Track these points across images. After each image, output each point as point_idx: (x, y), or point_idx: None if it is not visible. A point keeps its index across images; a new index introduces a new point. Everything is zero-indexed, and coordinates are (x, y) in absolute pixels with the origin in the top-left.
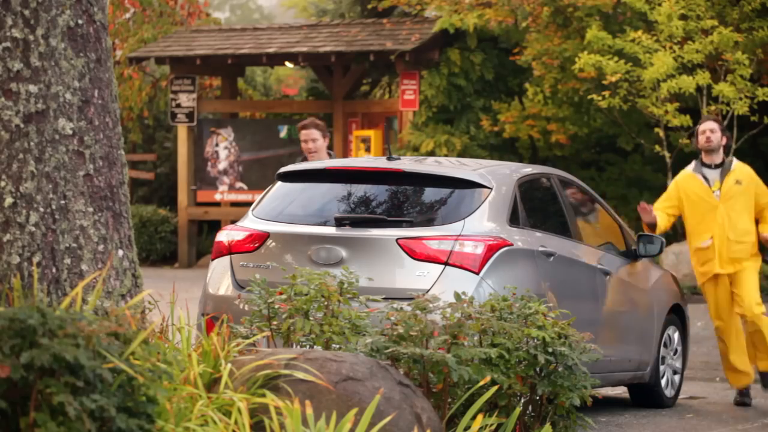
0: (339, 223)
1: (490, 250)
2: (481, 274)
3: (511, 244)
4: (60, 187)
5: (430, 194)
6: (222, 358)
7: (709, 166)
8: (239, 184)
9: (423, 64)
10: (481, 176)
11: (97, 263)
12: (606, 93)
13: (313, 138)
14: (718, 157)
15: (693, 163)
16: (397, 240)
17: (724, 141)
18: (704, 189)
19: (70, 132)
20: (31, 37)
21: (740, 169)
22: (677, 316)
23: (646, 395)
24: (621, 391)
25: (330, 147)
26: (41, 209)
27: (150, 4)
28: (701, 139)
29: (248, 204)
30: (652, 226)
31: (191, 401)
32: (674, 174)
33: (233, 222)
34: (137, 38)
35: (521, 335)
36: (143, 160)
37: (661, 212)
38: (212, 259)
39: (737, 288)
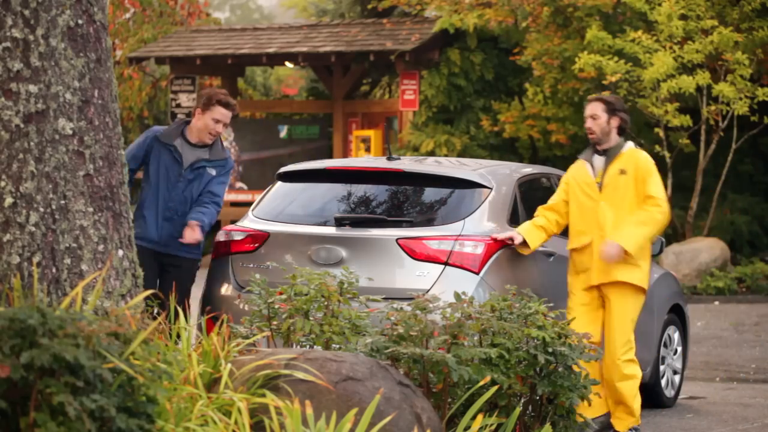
0: (339, 223)
1: (490, 250)
2: (481, 274)
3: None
4: (60, 187)
5: (430, 194)
6: (222, 358)
7: (599, 152)
8: (239, 184)
9: (423, 64)
10: (481, 176)
11: (97, 263)
12: (606, 93)
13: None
14: (607, 142)
15: (588, 148)
16: (397, 240)
17: (615, 123)
18: (588, 179)
19: (70, 132)
20: (31, 37)
21: (630, 155)
22: (677, 316)
23: (646, 395)
24: None
25: (329, 147)
26: (41, 209)
27: (150, 4)
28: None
29: (248, 204)
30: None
31: (191, 401)
32: (674, 174)
33: (233, 222)
34: (137, 38)
35: (521, 335)
36: None
37: (529, 225)
38: (212, 259)
39: (607, 317)
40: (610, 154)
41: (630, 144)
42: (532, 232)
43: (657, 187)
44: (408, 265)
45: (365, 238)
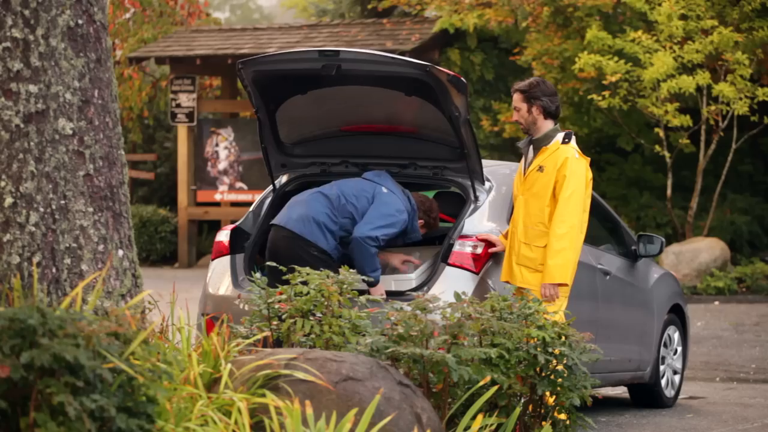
0: None
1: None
2: (481, 273)
3: None
4: (60, 187)
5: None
6: (222, 358)
7: (532, 142)
8: (239, 184)
9: None
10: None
11: (97, 263)
12: (606, 93)
13: None
14: (536, 131)
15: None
16: None
17: (537, 110)
18: (520, 170)
19: (70, 132)
20: (31, 37)
21: (554, 150)
22: (677, 316)
23: (646, 395)
24: (621, 391)
25: None
26: (41, 209)
27: (150, 4)
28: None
29: (248, 204)
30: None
31: (191, 401)
32: (674, 174)
33: (233, 222)
34: (137, 38)
35: (521, 335)
36: (143, 160)
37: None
38: (212, 259)
39: None
40: (535, 146)
41: (559, 134)
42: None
43: (568, 191)
44: None
45: None
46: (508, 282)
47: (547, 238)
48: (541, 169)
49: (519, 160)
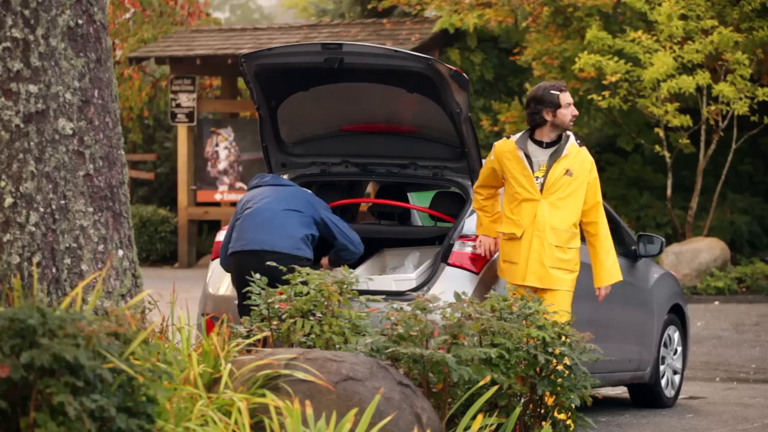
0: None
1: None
2: (481, 273)
3: None
4: (60, 187)
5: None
6: (222, 358)
7: (539, 144)
8: (239, 184)
9: None
10: None
11: (97, 263)
12: (606, 93)
13: None
14: (554, 133)
15: (520, 134)
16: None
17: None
18: (525, 173)
19: (70, 132)
20: (31, 37)
21: (575, 154)
22: (677, 316)
23: (646, 395)
24: (621, 391)
25: None
26: (41, 209)
27: (150, 4)
28: (568, 113)
29: None
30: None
31: (191, 401)
32: (674, 174)
33: None
34: (137, 38)
35: (521, 335)
36: (143, 160)
37: (487, 223)
38: (212, 259)
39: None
40: (557, 150)
41: (572, 139)
42: (490, 228)
43: (599, 195)
44: None
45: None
46: (524, 286)
47: (576, 239)
48: (569, 173)
49: None
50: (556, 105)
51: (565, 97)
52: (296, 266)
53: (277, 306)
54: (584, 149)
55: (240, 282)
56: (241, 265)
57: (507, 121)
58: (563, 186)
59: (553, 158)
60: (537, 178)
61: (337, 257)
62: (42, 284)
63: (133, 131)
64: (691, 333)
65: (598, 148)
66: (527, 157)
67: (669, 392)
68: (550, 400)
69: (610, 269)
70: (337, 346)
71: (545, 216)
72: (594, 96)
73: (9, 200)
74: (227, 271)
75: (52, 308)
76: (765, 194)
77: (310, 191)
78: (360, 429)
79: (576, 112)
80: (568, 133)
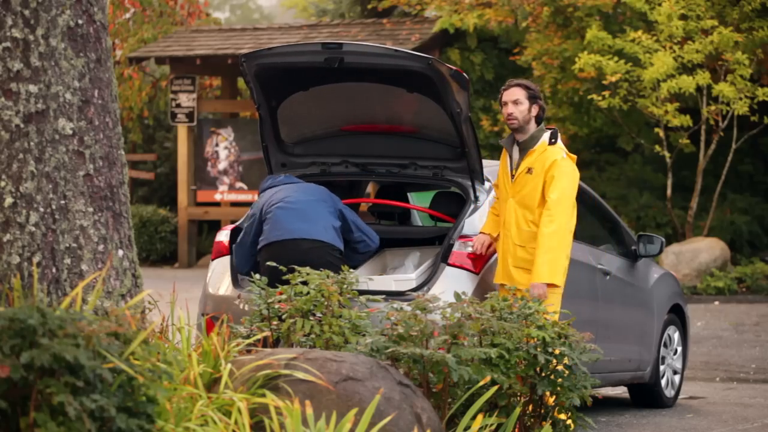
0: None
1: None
2: (481, 274)
3: None
4: (60, 187)
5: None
6: (222, 358)
7: (518, 144)
8: (239, 184)
9: None
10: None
11: (97, 263)
12: (606, 93)
13: None
14: (525, 132)
15: (510, 136)
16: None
17: (535, 111)
18: (506, 172)
19: (70, 132)
20: (31, 37)
21: (541, 151)
22: (677, 316)
23: (646, 395)
24: (621, 391)
25: None
26: (41, 209)
27: (150, 4)
28: (503, 112)
29: (248, 204)
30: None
31: (191, 401)
32: (674, 174)
33: (233, 222)
34: (137, 38)
35: (521, 335)
36: (143, 160)
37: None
38: (212, 259)
39: None
40: (524, 148)
41: (546, 133)
42: (490, 227)
43: (557, 192)
44: None
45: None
46: (503, 284)
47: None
48: (530, 171)
49: None
50: (502, 105)
51: (503, 96)
52: (332, 256)
53: (277, 306)
54: (555, 147)
55: (276, 272)
56: (279, 255)
57: None
58: (525, 184)
59: (521, 157)
60: (512, 177)
61: (353, 252)
62: (42, 284)
63: (133, 131)
64: (691, 333)
65: (598, 148)
66: (510, 157)
67: (669, 392)
68: (550, 400)
69: (539, 267)
70: (337, 346)
71: (511, 215)
72: (594, 96)
73: (9, 200)
74: (243, 272)
75: (52, 308)
76: (765, 194)
77: (324, 187)
78: (360, 429)
79: (509, 112)
80: (546, 131)
